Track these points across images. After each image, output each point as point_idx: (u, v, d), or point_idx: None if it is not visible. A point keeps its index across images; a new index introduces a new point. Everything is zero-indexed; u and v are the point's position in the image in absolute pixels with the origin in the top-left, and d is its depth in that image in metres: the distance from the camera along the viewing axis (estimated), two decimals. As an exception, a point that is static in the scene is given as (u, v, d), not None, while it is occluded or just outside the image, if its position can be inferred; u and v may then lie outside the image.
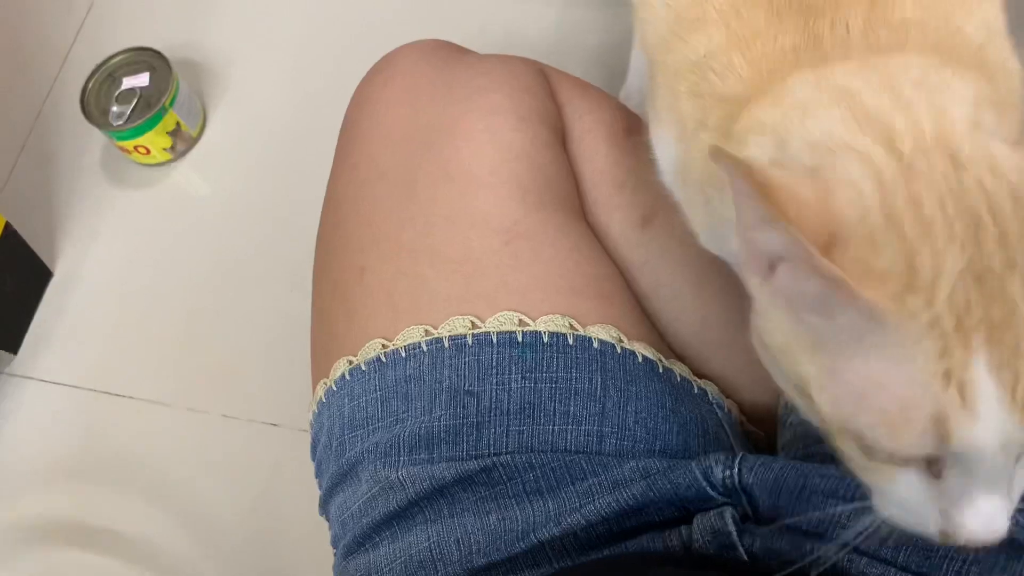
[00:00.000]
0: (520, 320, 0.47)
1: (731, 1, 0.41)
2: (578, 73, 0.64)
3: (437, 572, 0.44)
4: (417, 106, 0.55)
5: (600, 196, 0.57)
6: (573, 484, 0.44)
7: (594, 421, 0.44)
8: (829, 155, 0.34)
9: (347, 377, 0.49)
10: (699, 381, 0.49)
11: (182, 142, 0.97)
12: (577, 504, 0.43)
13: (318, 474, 0.53)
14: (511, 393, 0.45)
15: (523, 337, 0.46)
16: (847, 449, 0.34)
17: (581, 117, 0.59)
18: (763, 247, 0.34)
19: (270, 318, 0.87)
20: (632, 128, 0.59)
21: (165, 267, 0.94)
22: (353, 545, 0.48)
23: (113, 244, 0.96)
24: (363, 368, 0.48)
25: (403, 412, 0.46)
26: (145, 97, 0.93)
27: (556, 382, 0.45)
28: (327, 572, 0.53)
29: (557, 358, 0.45)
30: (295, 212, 0.86)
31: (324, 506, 0.52)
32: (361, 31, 1.00)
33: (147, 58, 0.96)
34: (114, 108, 0.93)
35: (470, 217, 0.50)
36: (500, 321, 0.47)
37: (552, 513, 0.43)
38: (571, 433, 0.44)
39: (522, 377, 0.45)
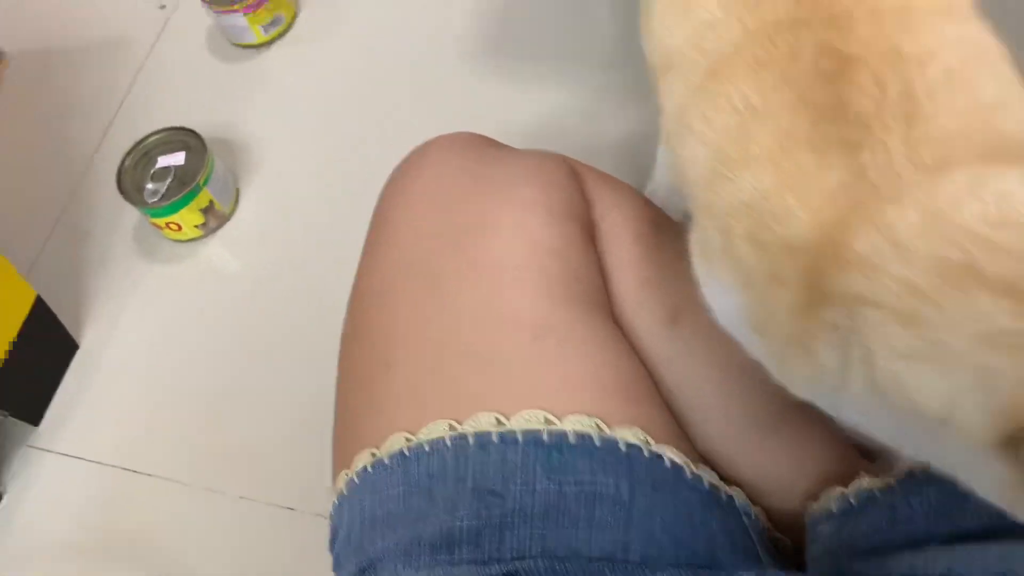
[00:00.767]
0: (547, 419, 0.46)
1: (774, 138, 0.40)
2: (606, 166, 0.65)
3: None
4: (447, 200, 0.55)
5: (627, 292, 0.56)
6: (596, 592, 0.43)
7: (620, 528, 0.43)
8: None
9: (369, 470, 0.49)
10: (727, 487, 0.48)
11: (214, 219, 0.99)
12: (600, 613, 0.42)
13: (336, 567, 0.52)
14: (536, 495, 0.44)
15: (549, 437, 0.45)
16: None
17: (609, 212, 0.59)
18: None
19: (293, 400, 0.87)
20: (659, 223, 0.60)
21: (190, 344, 0.95)
22: (370, 644, 0.47)
23: (140, 319, 0.97)
24: (386, 462, 0.48)
25: (426, 510, 0.46)
26: (180, 175, 0.95)
27: (582, 485, 0.44)
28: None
29: (583, 460, 0.45)
30: (323, 294, 0.87)
31: (342, 602, 0.51)
32: (394, 118, 1.02)
33: (183, 137, 0.98)
34: (149, 185, 0.95)
35: (498, 312, 0.50)
36: (526, 419, 0.46)
37: (574, 622, 0.42)
38: (596, 539, 0.43)
39: (547, 478, 0.44)
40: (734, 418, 0.53)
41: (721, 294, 0.46)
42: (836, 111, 0.40)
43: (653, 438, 0.47)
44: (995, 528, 0.41)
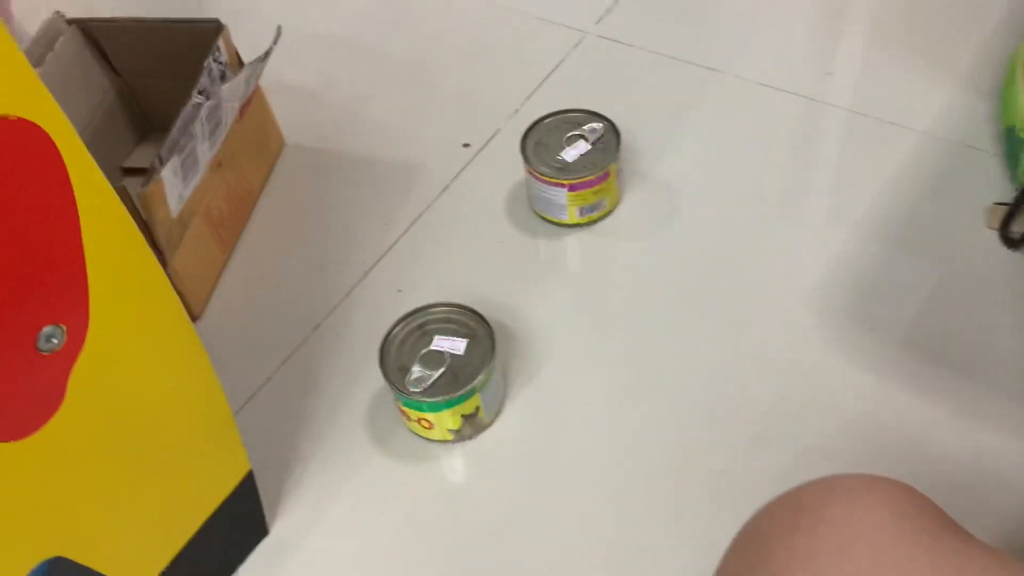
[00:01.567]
0: None
1: None
2: None
3: None
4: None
5: None
6: None
7: None
8: None
9: None
10: None
11: (471, 428, 0.80)
12: None
13: None
14: None
15: None
16: None
17: None
18: None
19: None
20: None
21: (394, 553, 0.75)
22: None
23: (345, 512, 0.78)
24: None
25: None
26: (454, 367, 0.77)
27: None
28: None
29: None
30: (561, 537, 0.67)
31: None
32: (695, 369, 0.82)
33: (469, 321, 0.80)
34: (415, 368, 0.78)
35: None
36: None
37: None
38: None
39: None
40: None
41: None
42: None
43: None
44: None
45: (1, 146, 0.45)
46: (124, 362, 0.57)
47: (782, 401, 0.79)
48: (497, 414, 0.82)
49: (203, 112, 0.87)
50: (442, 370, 0.77)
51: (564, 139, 0.93)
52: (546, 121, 0.95)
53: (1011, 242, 0.85)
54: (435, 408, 0.76)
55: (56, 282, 0.50)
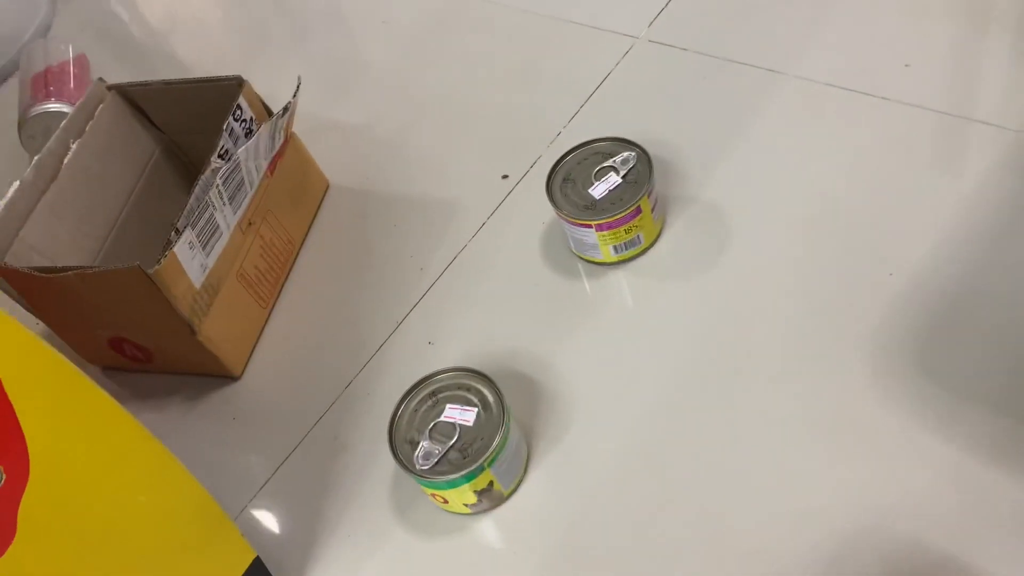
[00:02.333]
0: None
1: None
2: None
3: None
4: None
5: None
6: None
7: None
8: None
9: None
10: None
11: (489, 500, 0.76)
12: None
13: None
14: None
15: None
16: None
17: None
18: None
19: None
20: None
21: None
22: None
23: (370, 587, 0.77)
24: None
25: None
26: (464, 440, 0.74)
27: None
28: None
29: None
30: None
31: None
32: (731, 447, 0.74)
33: (480, 386, 0.76)
34: (424, 442, 0.74)
35: None
36: None
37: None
38: None
39: None
40: None
41: None
42: None
43: None
44: None
45: None
46: (81, 487, 0.56)
47: (831, 469, 0.71)
48: (519, 482, 0.78)
49: (219, 178, 0.86)
50: (451, 443, 0.74)
51: (593, 173, 0.87)
52: (573, 155, 0.89)
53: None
54: (445, 486, 0.73)
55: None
